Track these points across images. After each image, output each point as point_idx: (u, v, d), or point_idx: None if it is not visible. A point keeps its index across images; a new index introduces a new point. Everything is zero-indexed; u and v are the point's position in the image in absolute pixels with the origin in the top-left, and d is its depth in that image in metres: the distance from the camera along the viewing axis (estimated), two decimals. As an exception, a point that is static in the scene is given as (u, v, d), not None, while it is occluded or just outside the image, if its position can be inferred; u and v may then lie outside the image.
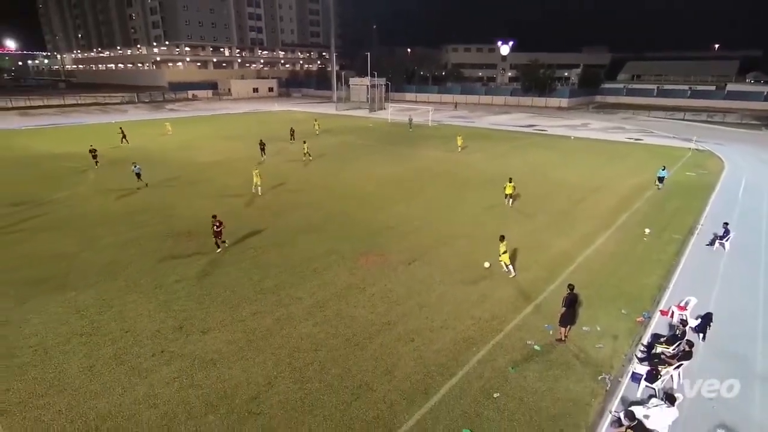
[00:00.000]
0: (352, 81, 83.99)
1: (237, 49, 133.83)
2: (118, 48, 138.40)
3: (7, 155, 33.93)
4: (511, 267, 14.84)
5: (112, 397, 9.49)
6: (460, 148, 36.76)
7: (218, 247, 16.78)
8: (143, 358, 10.75)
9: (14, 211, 21.08)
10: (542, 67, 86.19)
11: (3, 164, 31.03)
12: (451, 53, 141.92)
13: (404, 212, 21.39)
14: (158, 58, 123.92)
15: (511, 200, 22.27)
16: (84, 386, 9.79)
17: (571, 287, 11.68)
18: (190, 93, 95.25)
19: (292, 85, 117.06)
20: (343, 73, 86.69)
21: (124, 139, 38.30)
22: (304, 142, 33.48)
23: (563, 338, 11.47)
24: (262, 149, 33.22)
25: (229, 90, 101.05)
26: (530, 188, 25.32)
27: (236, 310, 12.83)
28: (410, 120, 51.93)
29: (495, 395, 9.67)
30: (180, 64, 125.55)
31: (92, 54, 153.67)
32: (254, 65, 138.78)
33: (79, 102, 78.53)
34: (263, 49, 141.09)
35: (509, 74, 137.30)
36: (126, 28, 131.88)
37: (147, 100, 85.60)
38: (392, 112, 60.59)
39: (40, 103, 74.52)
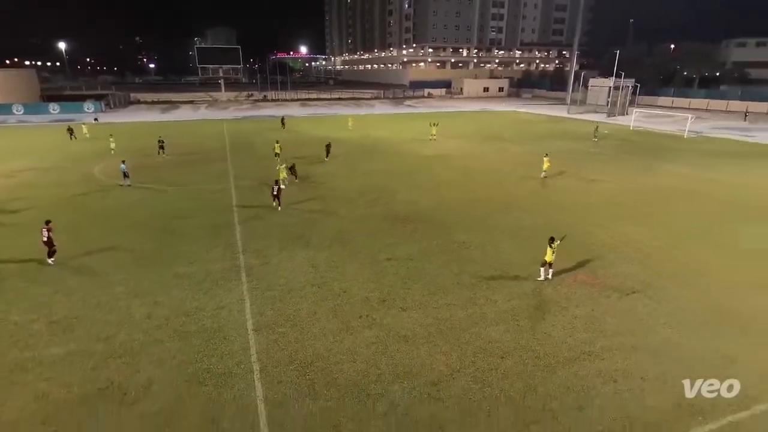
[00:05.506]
0: (592, 81, 76.22)
1: (475, 49, 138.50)
2: (375, 50, 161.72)
3: (289, 137, 44.14)
4: (548, 269, 14.14)
5: (325, 342, 11.34)
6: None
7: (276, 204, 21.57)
8: (352, 317, 12.46)
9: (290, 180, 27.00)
10: None
11: (289, 142, 40.24)
12: (733, 50, 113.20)
13: (630, 234, 18.44)
14: (405, 59, 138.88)
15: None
16: (308, 327, 11.99)
17: None
18: (426, 91, 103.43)
19: (524, 85, 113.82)
20: (583, 73, 79.19)
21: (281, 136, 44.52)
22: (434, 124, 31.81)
23: None
24: None
25: (461, 89, 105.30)
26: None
27: (433, 297, 13.53)
28: (596, 128, 43.87)
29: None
30: (422, 64, 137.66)
31: (355, 56, 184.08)
32: (488, 65, 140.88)
33: (341, 97, 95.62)
34: (500, 49, 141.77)
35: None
36: (384, 33, 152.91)
37: (390, 97, 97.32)
38: (637, 118, 52.48)
39: (315, 96, 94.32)
